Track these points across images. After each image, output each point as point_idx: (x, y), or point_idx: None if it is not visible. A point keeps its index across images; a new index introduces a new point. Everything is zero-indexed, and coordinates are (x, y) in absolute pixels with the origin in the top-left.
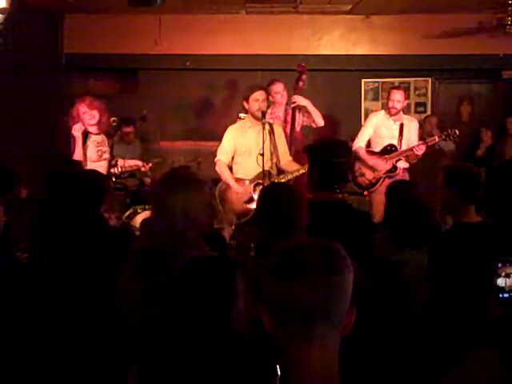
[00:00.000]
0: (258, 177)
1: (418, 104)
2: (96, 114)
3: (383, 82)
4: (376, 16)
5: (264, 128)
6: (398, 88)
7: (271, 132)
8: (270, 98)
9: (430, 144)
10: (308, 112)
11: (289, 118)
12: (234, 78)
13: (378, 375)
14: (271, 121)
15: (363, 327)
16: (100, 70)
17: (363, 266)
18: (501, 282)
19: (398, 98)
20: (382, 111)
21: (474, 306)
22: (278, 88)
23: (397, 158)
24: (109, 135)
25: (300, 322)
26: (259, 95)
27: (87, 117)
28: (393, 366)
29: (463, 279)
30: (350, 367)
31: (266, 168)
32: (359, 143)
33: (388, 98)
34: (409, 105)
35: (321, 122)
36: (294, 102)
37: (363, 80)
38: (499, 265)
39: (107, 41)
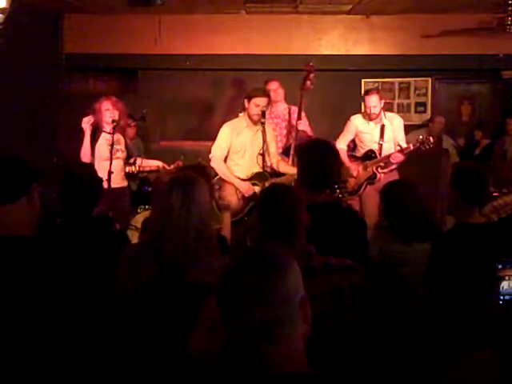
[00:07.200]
0: (253, 177)
1: (417, 104)
2: (116, 115)
3: (383, 82)
4: (376, 16)
5: (264, 128)
6: (370, 92)
7: (264, 132)
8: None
9: (405, 152)
10: (303, 138)
11: (288, 117)
12: (234, 78)
13: (378, 374)
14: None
15: (364, 327)
16: (100, 70)
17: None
18: (503, 284)
19: (373, 102)
20: (359, 115)
21: (474, 306)
22: (272, 86)
23: (376, 165)
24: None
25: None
26: (261, 101)
27: (108, 114)
28: (393, 365)
29: (463, 279)
30: (352, 365)
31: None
32: (340, 144)
33: (364, 105)
34: (409, 105)
35: None
36: (298, 124)
37: (363, 80)
38: (499, 266)
39: (107, 41)
